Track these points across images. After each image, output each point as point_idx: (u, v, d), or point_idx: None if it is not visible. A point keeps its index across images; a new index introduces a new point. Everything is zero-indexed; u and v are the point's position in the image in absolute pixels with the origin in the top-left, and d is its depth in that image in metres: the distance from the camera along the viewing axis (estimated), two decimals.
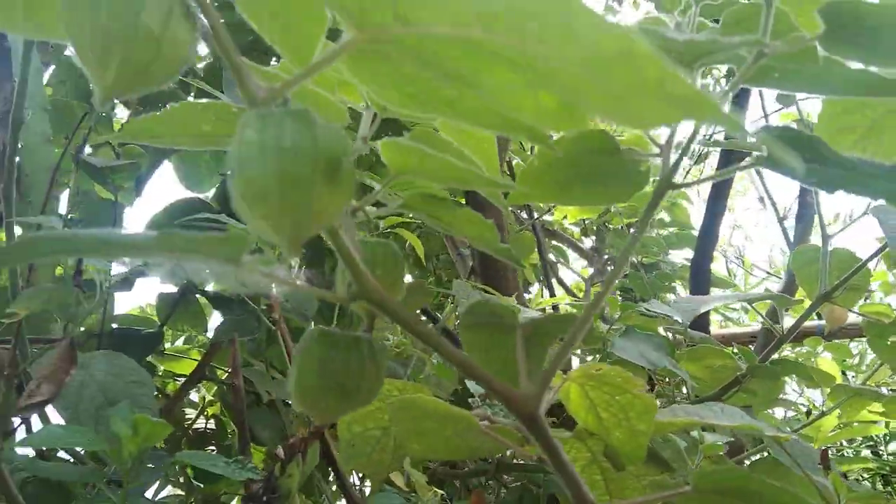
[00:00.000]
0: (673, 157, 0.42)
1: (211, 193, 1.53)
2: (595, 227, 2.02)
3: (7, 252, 0.32)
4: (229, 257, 0.33)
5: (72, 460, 0.95)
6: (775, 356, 1.11)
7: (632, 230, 1.73)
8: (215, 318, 1.42)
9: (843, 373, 1.77)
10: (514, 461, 0.97)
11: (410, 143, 0.35)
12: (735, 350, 1.18)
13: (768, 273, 3.01)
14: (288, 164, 0.25)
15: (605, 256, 1.93)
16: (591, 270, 2.06)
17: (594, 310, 0.39)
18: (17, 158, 1.18)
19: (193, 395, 1.58)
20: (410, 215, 1.01)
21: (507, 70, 0.23)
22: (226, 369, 1.47)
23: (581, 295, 1.98)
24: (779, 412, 1.65)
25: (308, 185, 0.25)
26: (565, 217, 2.04)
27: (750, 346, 1.53)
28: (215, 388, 1.45)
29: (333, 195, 0.26)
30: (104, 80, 0.26)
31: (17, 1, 0.34)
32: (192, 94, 2.00)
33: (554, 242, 2.04)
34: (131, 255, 0.33)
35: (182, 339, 1.62)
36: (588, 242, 2.12)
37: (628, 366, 0.96)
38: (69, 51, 1.66)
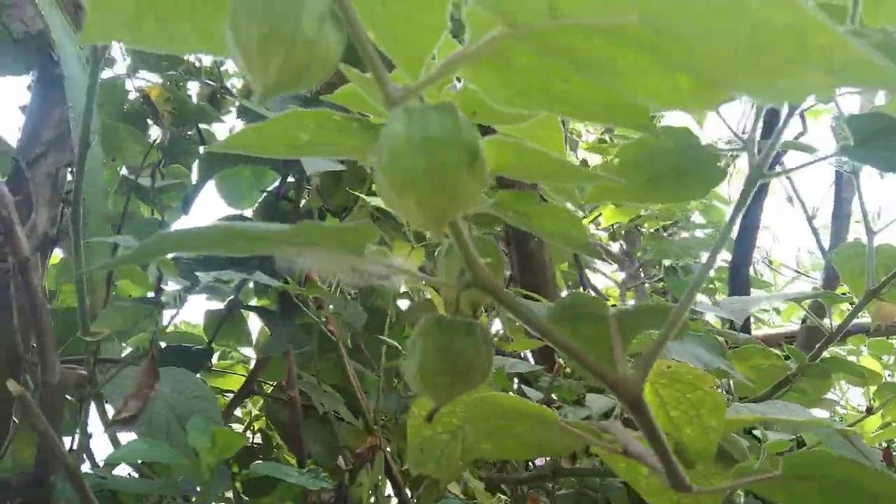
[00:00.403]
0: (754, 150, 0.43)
1: (250, 211, 1.57)
2: (623, 232, 2.02)
3: (145, 246, 0.34)
4: (354, 248, 0.36)
5: (135, 474, 0.97)
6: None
7: (667, 232, 1.74)
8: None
9: None
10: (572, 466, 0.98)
11: (513, 139, 0.37)
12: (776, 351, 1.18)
13: (797, 272, 2.99)
14: (437, 153, 0.27)
15: (637, 261, 1.94)
16: (621, 275, 2.06)
17: (689, 302, 0.41)
18: (77, 182, 1.22)
19: (237, 411, 1.60)
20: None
21: (644, 54, 0.25)
22: (271, 383, 1.50)
23: (613, 301, 1.98)
24: (816, 412, 1.64)
25: (455, 171, 0.28)
26: (592, 222, 2.05)
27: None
28: (261, 402, 1.48)
29: (474, 180, 0.28)
30: (266, 79, 0.28)
31: (148, 16, 0.37)
32: (231, 111, 2.06)
33: None
34: (262, 246, 0.35)
35: (216, 354, 1.64)
36: (616, 247, 2.13)
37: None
38: (107, 73, 1.72)
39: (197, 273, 0.86)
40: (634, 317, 0.44)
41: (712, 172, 0.48)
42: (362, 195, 1.15)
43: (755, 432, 0.84)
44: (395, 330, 1.35)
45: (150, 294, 1.55)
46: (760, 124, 0.43)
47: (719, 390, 0.61)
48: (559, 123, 0.52)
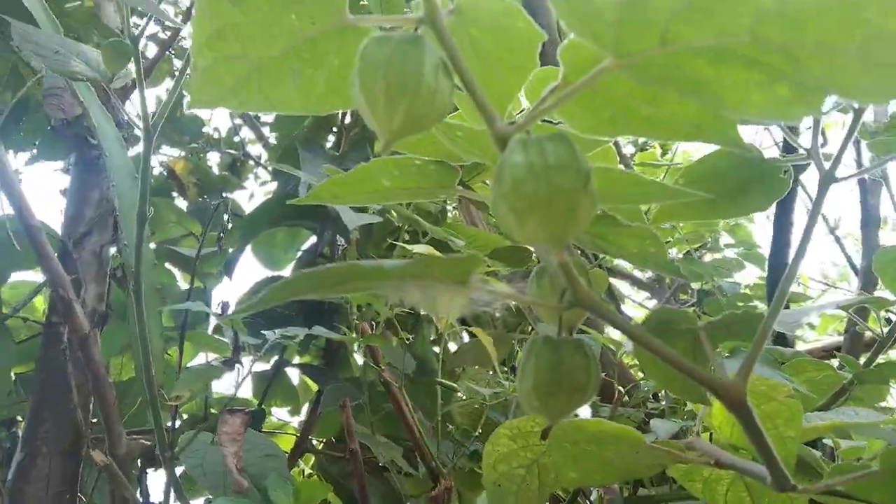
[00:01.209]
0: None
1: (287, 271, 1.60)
2: None
3: (277, 289, 0.37)
4: (460, 278, 0.38)
5: None
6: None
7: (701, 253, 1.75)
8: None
9: None
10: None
11: (601, 164, 0.40)
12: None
13: (826, 285, 2.98)
14: (556, 178, 0.30)
15: (668, 287, 1.94)
16: (652, 303, 2.07)
17: (778, 309, 0.42)
18: (124, 257, 1.26)
19: None
20: None
21: (749, 70, 0.27)
22: (321, 440, 1.50)
23: None
24: None
25: (573, 194, 0.30)
26: None
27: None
28: (312, 460, 1.48)
29: (589, 202, 0.31)
30: (391, 127, 0.31)
31: (254, 85, 0.40)
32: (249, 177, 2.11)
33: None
34: (384, 283, 0.37)
35: None
36: (639, 274, 2.14)
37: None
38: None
39: (264, 332, 0.88)
40: (723, 327, 0.46)
41: (777, 184, 0.50)
42: (400, 244, 1.17)
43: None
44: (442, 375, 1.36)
45: (194, 362, 1.57)
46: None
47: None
48: (614, 149, 0.55)
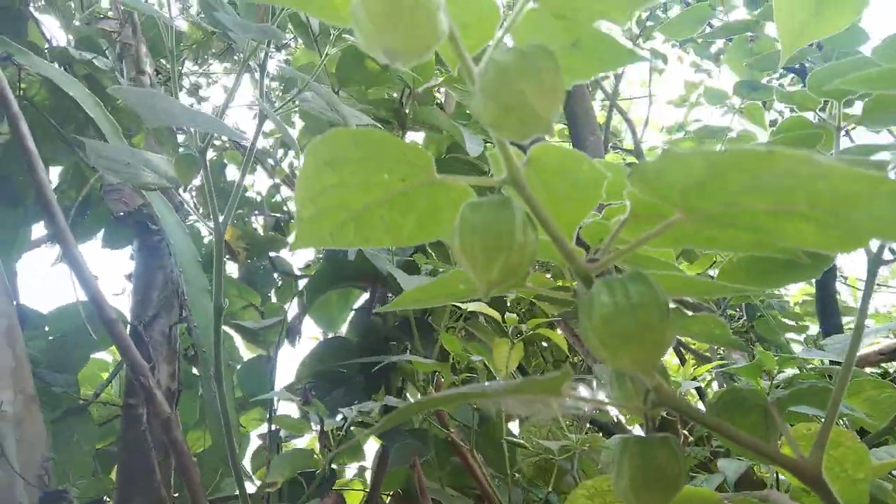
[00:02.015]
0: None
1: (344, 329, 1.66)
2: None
3: (395, 416, 0.41)
4: (553, 390, 0.42)
5: None
6: None
7: None
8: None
9: None
10: None
11: (677, 273, 0.44)
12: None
13: (877, 284, 2.94)
14: (642, 316, 0.34)
15: (715, 307, 1.95)
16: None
17: (846, 381, 0.46)
18: (195, 338, 1.33)
19: None
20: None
21: (805, 223, 0.31)
22: (387, 493, 1.54)
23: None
24: None
25: (658, 328, 0.34)
26: None
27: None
28: None
29: (671, 329, 0.35)
30: (489, 279, 0.35)
31: (349, 228, 0.45)
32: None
33: None
34: (483, 398, 0.42)
35: None
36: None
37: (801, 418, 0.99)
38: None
39: (341, 410, 0.93)
40: (793, 399, 0.49)
41: (824, 261, 0.54)
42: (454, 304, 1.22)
43: None
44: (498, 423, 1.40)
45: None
46: None
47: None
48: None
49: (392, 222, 0.44)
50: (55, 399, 1.36)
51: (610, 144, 2.47)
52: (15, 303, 1.27)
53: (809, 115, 0.60)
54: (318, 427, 1.01)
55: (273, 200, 2.67)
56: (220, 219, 0.94)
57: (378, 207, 0.43)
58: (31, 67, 1.34)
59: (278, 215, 2.51)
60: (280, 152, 2.83)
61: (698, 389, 1.42)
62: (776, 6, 0.69)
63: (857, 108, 0.63)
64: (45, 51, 1.52)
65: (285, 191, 2.96)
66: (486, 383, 0.38)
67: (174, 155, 0.91)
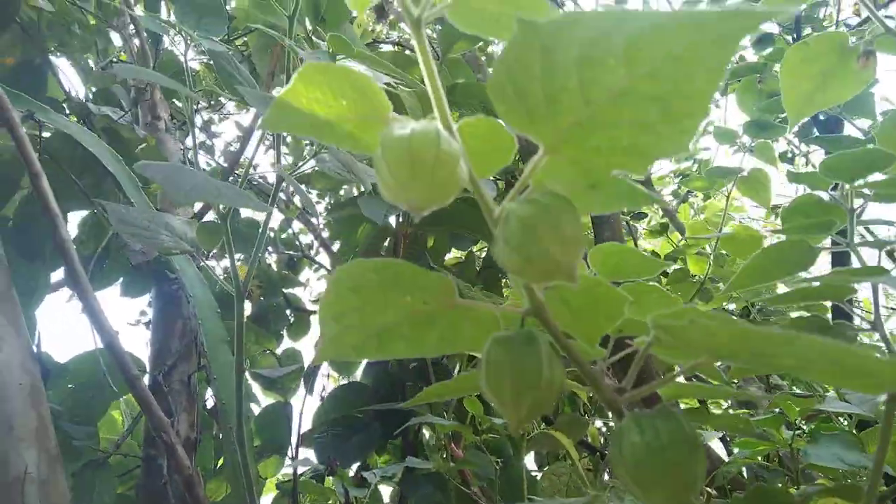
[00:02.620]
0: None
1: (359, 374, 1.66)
2: None
3: None
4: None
5: None
6: None
7: None
8: None
9: None
10: None
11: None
12: None
13: (892, 309, 2.91)
14: (673, 456, 0.34)
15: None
16: None
17: (879, 475, 0.45)
18: (214, 389, 1.33)
19: None
20: None
21: (822, 374, 0.31)
22: None
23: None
24: None
25: (690, 466, 0.34)
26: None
27: None
28: None
29: (702, 462, 0.35)
30: (518, 415, 0.36)
31: (371, 344, 0.46)
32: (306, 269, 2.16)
33: None
34: None
35: None
36: None
37: (826, 470, 0.97)
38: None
39: (364, 474, 0.93)
40: (821, 493, 0.49)
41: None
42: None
43: None
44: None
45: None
46: None
47: None
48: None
49: (414, 338, 0.44)
50: (75, 452, 1.36)
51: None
52: (37, 352, 1.29)
53: (822, 194, 0.60)
54: (344, 497, 1.01)
55: (285, 237, 2.69)
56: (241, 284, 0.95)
57: (400, 326, 0.43)
58: (52, 124, 1.36)
59: (291, 253, 2.52)
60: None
61: (722, 438, 1.40)
62: (782, 77, 0.69)
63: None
64: (64, 104, 1.55)
65: (297, 225, 2.99)
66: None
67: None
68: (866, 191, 0.57)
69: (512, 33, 0.27)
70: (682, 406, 1.28)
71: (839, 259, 0.94)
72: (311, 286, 3.17)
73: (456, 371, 1.63)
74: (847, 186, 0.54)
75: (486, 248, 1.91)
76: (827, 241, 0.57)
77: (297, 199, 2.80)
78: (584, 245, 0.33)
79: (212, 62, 0.98)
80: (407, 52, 2.24)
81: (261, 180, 2.69)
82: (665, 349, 0.39)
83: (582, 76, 0.27)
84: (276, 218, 2.94)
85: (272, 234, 2.70)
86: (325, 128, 0.40)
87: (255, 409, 1.66)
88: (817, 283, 0.47)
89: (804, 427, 1.08)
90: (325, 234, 2.37)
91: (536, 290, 0.37)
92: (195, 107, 2.87)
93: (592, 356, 0.48)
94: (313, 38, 1.72)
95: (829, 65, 0.66)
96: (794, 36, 1.84)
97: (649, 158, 0.30)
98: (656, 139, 0.29)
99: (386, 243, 1.58)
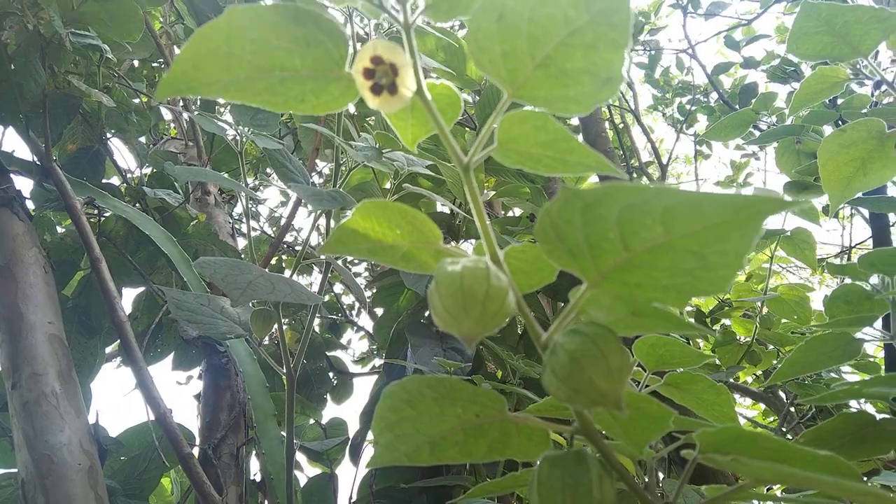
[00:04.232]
0: None
1: None
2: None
3: None
4: None
5: None
6: None
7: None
8: None
9: None
10: None
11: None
12: None
13: None
14: None
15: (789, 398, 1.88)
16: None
17: None
18: (262, 462, 1.35)
19: None
20: None
21: None
22: None
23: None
24: None
25: None
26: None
27: None
28: None
29: None
30: None
31: (424, 451, 0.48)
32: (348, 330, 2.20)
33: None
34: None
35: None
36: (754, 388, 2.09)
37: None
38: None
39: None
40: None
41: (891, 437, 0.53)
42: None
43: None
44: None
45: None
46: None
47: None
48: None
49: (465, 445, 0.46)
50: None
51: None
52: (94, 426, 1.33)
53: (864, 284, 0.60)
54: None
55: (327, 300, 2.75)
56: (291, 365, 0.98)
57: (452, 435, 0.45)
58: (110, 209, 1.44)
59: (334, 316, 2.56)
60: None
61: None
62: (821, 162, 0.71)
63: None
64: (122, 186, 1.63)
65: (338, 287, 3.04)
66: None
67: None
68: None
69: (559, 189, 0.30)
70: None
71: (891, 349, 0.93)
72: (353, 347, 3.20)
73: None
74: (889, 281, 0.55)
75: None
76: (873, 333, 0.57)
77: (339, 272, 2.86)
78: (629, 374, 0.34)
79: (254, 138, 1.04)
80: None
81: (306, 251, 2.76)
82: (713, 464, 0.40)
83: (622, 229, 0.30)
84: (317, 280, 3.00)
85: None
86: (381, 252, 0.43)
87: (301, 479, 1.67)
88: (860, 388, 0.48)
89: None
90: (368, 296, 2.41)
91: (585, 411, 0.38)
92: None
93: (641, 456, 0.49)
94: (357, 112, 1.79)
95: (867, 150, 0.67)
96: (832, 102, 1.84)
97: (688, 296, 0.32)
98: (694, 281, 0.31)
99: (428, 311, 1.60)
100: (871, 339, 0.55)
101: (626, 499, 1.33)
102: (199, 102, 2.05)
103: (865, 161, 0.66)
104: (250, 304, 1.03)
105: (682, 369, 0.63)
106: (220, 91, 0.39)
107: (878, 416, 0.53)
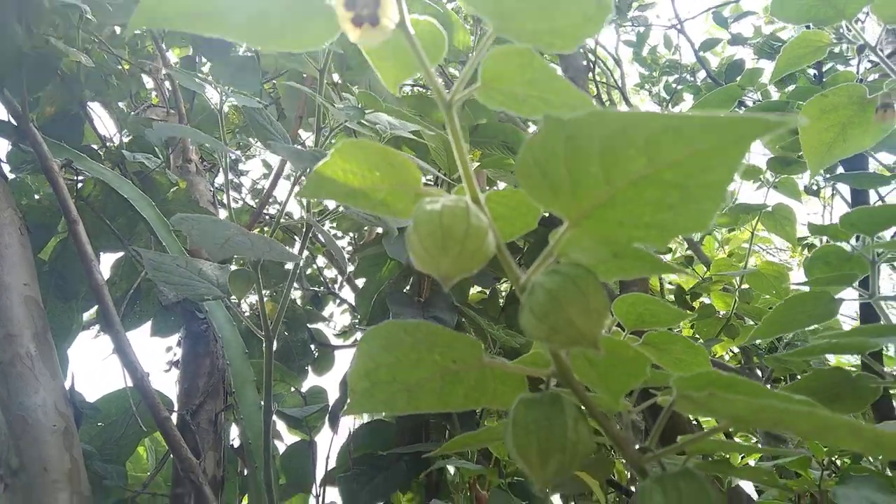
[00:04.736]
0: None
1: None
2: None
3: None
4: None
5: None
6: None
7: None
8: None
9: None
10: None
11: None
12: None
13: None
14: None
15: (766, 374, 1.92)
16: None
17: None
18: (241, 428, 1.35)
19: None
20: None
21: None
22: None
23: None
24: None
25: None
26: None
27: None
28: None
29: None
30: (544, 477, 0.37)
31: (401, 399, 0.47)
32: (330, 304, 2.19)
33: None
34: None
35: None
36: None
37: None
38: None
39: None
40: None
41: (866, 392, 0.54)
42: None
43: None
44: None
45: None
46: None
47: None
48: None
49: (442, 393, 0.46)
50: (105, 491, 1.38)
51: None
52: (70, 393, 1.32)
53: (844, 245, 0.60)
54: None
55: (309, 272, 2.73)
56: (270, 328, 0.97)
57: (429, 382, 0.45)
58: (88, 172, 1.42)
59: (316, 289, 2.55)
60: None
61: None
62: (802, 129, 0.71)
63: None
64: (101, 151, 1.60)
65: (321, 260, 3.02)
66: None
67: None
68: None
69: (539, 120, 0.29)
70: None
71: (868, 308, 0.94)
72: (335, 321, 3.19)
73: (479, 412, 1.63)
74: (869, 241, 0.55)
75: (509, 285, 1.92)
76: (851, 293, 0.58)
77: (321, 236, 2.84)
78: (608, 315, 0.34)
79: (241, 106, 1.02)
80: (429, 93, 2.29)
81: (287, 217, 2.75)
82: (688, 408, 0.40)
83: (604, 161, 0.29)
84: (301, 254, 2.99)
85: (297, 271, 2.74)
86: (360, 196, 0.42)
87: (280, 447, 1.67)
88: (837, 340, 0.48)
89: (836, 465, 1.06)
90: (350, 269, 2.40)
91: (562, 354, 0.38)
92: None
93: (618, 409, 0.49)
94: (339, 80, 1.76)
95: (847, 116, 0.67)
96: (816, 73, 1.85)
97: (670, 234, 0.32)
98: (676, 217, 0.30)
99: (409, 281, 1.60)
100: (851, 299, 0.55)
101: (602, 463, 1.35)
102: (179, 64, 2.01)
103: (846, 126, 0.67)
104: (230, 266, 1.02)
105: (660, 330, 0.63)
106: (196, 22, 0.38)
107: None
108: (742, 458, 1.50)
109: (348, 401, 0.48)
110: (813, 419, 0.27)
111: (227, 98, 0.93)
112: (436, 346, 0.42)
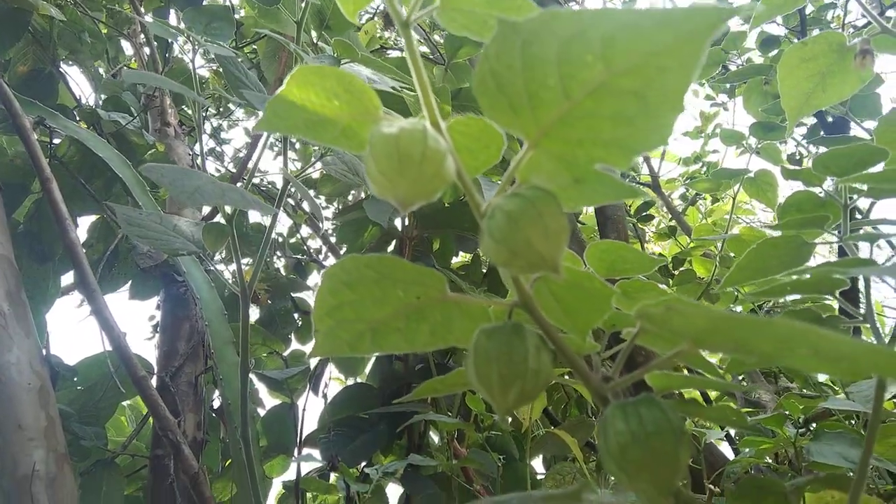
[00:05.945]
0: None
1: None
2: None
3: None
4: (573, 499, 0.43)
5: None
6: None
7: None
8: None
9: None
10: None
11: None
12: None
13: None
14: (657, 444, 0.34)
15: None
16: None
17: (872, 443, 0.45)
18: (220, 389, 1.35)
19: None
20: None
21: (804, 358, 0.32)
22: None
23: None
24: None
25: (674, 455, 0.35)
26: None
27: None
28: None
29: (686, 452, 0.35)
30: (505, 403, 0.36)
31: (366, 338, 0.47)
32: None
33: None
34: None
35: None
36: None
37: (825, 468, 0.97)
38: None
39: (367, 470, 0.94)
40: (813, 484, 0.49)
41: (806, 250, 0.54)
42: None
43: None
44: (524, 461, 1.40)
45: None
46: None
47: None
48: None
49: (407, 331, 0.45)
50: (84, 451, 1.38)
51: (627, 178, 2.47)
52: (46, 354, 1.31)
53: (816, 190, 0.60)
54: (345, 492, 1.02)
55: (293, 242, 2.71)
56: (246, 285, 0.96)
57: (394, 320, 0.44)
58: (62, 130, 1.39)
59: (299, 256, 2.54)
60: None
61: (729, 438, 1.40)
62: (781, 78, 0.70)
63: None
64: (75, 111, 1.57)
65: (305, 230, 3.01)
66: (509, 496, 0.39)
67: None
68: (861, 186, 0.58)
69: (495, 24, 0.28)
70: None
71: (843, 254, 0.95)
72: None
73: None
74: (842, 185, 0.55)
75: None
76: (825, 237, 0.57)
77: (305, 205, 2.82)
78: (567, 238, 0.34)
79: (220, 69, 1.00)
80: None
81: (269, 185, 2.72)
82: (651, 339, 0.40)
83: (561, 71, 0.28)
84: (285, 223, 2.96)
85: (280, 240, 2.72)
86: (319, 127, 0.41)
87: (262, 411, 1.67)
88: (808, 276, 0.48)
89: (812, 426, 1.08)
90: (333, 239, 2.39)
91: (524, 283, 0.38)
92: (204, 114, 2.90)
93: (586, 350, 0.48)
94: (319, 43, 1.73)
95: (827, 64, 0.67)
96: (800, 38, 1.84)
97: (631, 151, 0.31)
98: (635, 132, 0.30)
99: (392, 246, 1.59)
100: (823, 242, 0.55)
101: (582, 424, 1.36)
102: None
103: (825, 76, 0.66)
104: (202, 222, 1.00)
105: (632, 277, 0.62)
106: None
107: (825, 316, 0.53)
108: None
109: (313, 343, 0.48)
110: (773, 329, 0.27)
111: (201, 48, 0.91)
112: (399, 282, 0.42)
